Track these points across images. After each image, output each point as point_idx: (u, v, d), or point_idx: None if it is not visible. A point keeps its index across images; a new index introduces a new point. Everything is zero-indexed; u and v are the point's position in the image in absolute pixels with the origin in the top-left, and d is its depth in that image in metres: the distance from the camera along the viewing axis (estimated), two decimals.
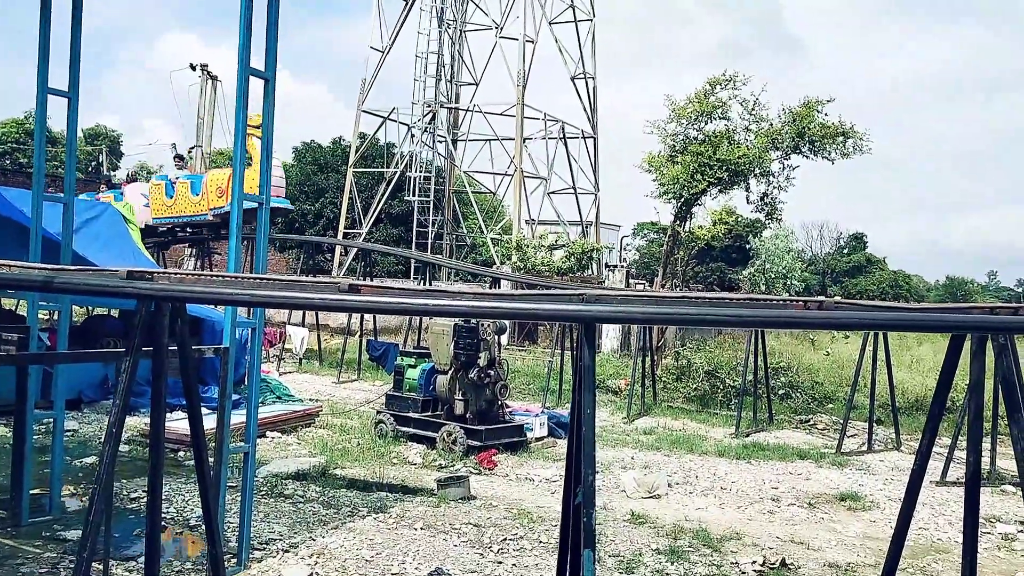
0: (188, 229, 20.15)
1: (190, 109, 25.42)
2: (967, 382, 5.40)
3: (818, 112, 19.40)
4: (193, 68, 24.27)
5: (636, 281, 35.39)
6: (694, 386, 17.96)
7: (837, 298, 4.34)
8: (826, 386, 18.61)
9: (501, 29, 32.76)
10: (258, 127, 6.71)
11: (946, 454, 11.19)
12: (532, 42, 31.70)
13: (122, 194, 20.27)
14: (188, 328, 4.92)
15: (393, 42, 33.96)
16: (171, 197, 19.80)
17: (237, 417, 7.38)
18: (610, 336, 25.47)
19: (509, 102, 32.31)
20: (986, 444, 11.44)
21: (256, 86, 6.46)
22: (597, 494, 9.78)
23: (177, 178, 20.07)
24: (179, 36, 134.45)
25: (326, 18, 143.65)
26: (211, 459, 5.40)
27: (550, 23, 33.77)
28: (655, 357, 19.12)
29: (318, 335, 22.08)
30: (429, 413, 11.84)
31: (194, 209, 19.41)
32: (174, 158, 21.74)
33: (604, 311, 4.08)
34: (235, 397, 9.85)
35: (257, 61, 6.48)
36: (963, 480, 10.98)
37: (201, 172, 20.83)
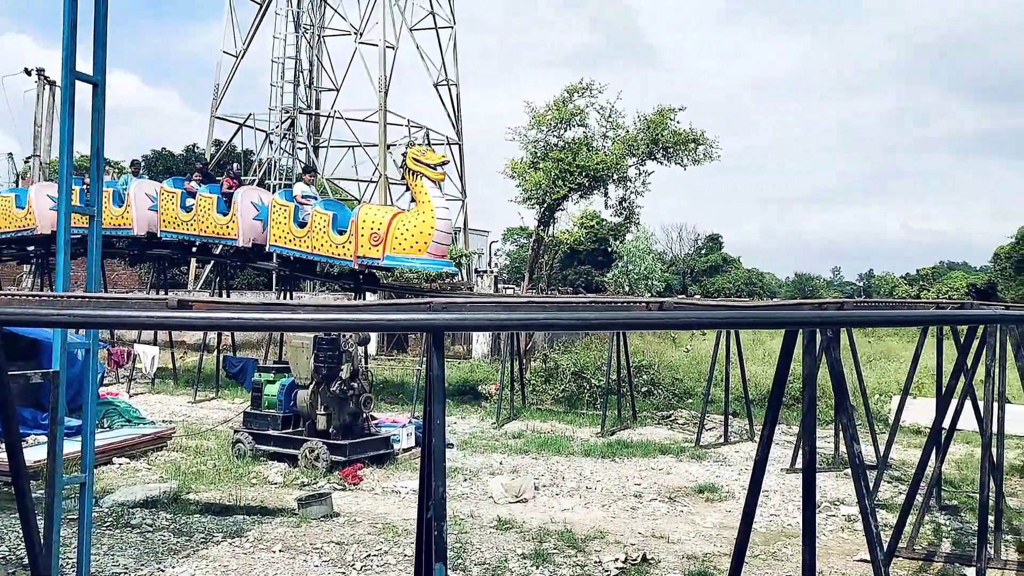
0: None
1: (26, 116, 23.51)
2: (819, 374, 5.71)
3: (670, 120, 20.14)
4: (28, 73, 22.57)
5: (505, 286, 35.63)
6: (562, 387, 18.21)
7: (677, 299, 4.46)
8: (686, 382, 19.32)
9: (361, 35, 32.30)
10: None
11: (795, 442, 11.80)
12: (393, 48, 31.39)
13: None
14: (3, 350, 4.50)
15: (247, 46, 32.84)
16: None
17: (76, 445, 6.85)
18: (480, 341, 25.51)
19: (372, 108, 31.88)
20: (831, 431, 12.17)
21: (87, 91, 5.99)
22: (465, 502, 9.76)
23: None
24: (13, 38, 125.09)
25: (180, 22, 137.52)
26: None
27: (411, 29, 33.57)
28: (524, 360, 19.29)
29: (172, 353, 20.98)
30: (290, 430, 11.43)
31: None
32: (131, 164, 19.85)
33: (452, 319, 4.00)
34: (74, 423, 9.22)
35: (88, 64, 6.02)
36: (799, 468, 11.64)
37: (31, 184, 19.24)
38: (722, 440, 13.93)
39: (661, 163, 20.69)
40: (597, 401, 16.69)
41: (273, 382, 11.72)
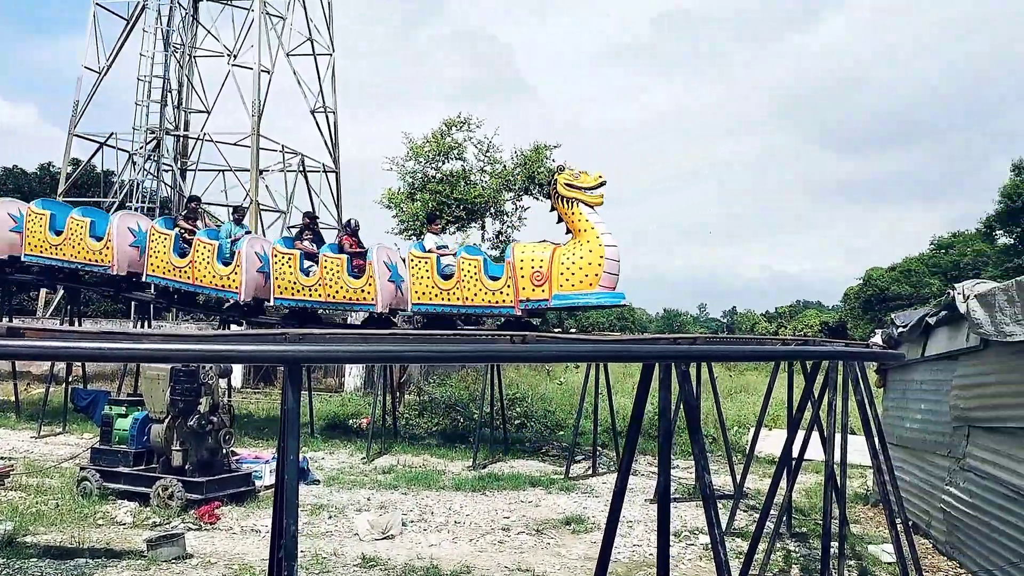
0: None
1: None
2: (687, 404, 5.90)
3: (546, 156, 20.57)
4: None
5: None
6: (435, 421, 18.07)
7: (539, 334, 4.50)
8: (558, 414, 19.57)
9: (235, 57, 31.50)
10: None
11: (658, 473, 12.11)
12: (268, 72, 30.76)
13: None
14: None
15: (111, 63, 31.40)
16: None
17: None
18: (353, 374, 25.02)
19: (244, 132, 31.05)
20: (691, 462, 12.57)
21: None
22: (329, 540, 9.45)
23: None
24: None
25: (40, 37, 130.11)
26: None
27: (288, 54, 33.03)
28: (398, 394, 19.04)
29: (14, 384, 19.47)
30: (142, 467, 10.79)
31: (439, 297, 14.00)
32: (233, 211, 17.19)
33: (308, 351, 3.90)
34: None
35: None
36: (678, 496, 11.97)
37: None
38: (590, 472, 14.14)
39: (537, 198, 21.07)
40: (470, 434, 16.65)
41: (125, 416, 11.05)
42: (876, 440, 7.22)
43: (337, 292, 14.56)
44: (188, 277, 15.26)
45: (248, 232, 15.90)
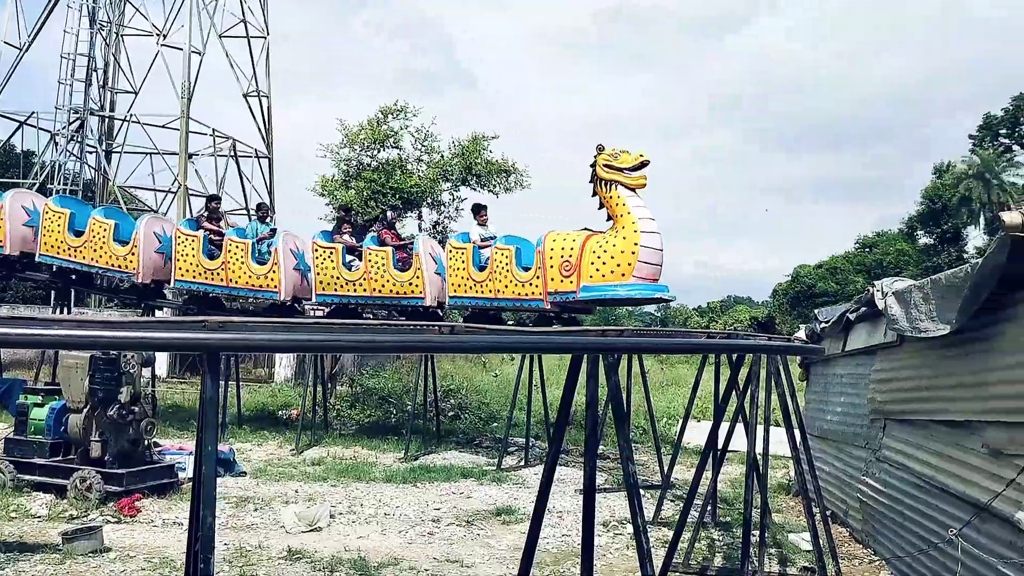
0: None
1: None
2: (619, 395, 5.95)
3: (484, 148, 20.54)
4: None
5: None
6: (368, 413, 17.91)
7: (468, 325, 4.49)
8: (492, 406, 19.63)
9: (164, 37, 30.56)
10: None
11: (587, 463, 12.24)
12: (199, 54, 29.94)
13: None
14: None
15: (33, 39, 30.14)
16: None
17: None
18: (283, 364, 24.61)
19: (173, 114, 30.17)
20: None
21: None
22: (253, 532, 9.28)
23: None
24: None
25: None
26: None
27: (220, 36, 32.20)
28: (330, 385, 18.81)
29: None
30: (59, 458, 10.41)
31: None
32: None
33: (228, 339, 3.80)
34: None
35: None
36: (608, 487, 12.11)
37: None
38: (523, 463, 14.21)
39: (475, 189, 21.05)
40: (403, 426, 16.56)
41: (41, 405, 10.64)
42: (796, 432, 7.43)
43: (383, 287, 13.67)
44: (221, 279, 14.40)
45: (274, 230, 15.13)
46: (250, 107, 33.68)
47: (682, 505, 11.23)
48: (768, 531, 9.02)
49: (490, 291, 12.57)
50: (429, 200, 20.93)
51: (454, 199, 21.45)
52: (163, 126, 30.82)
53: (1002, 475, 5.57)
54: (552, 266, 11.78)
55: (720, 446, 8.18)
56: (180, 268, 14.60)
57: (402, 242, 14.46)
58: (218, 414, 3.59)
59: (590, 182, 11.54)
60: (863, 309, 8.70)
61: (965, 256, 42.31)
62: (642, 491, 11.99)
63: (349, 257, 14.17)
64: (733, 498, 11.76)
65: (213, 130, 31.66)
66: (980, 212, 43.06)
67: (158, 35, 30.68)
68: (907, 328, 6.85)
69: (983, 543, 5.81)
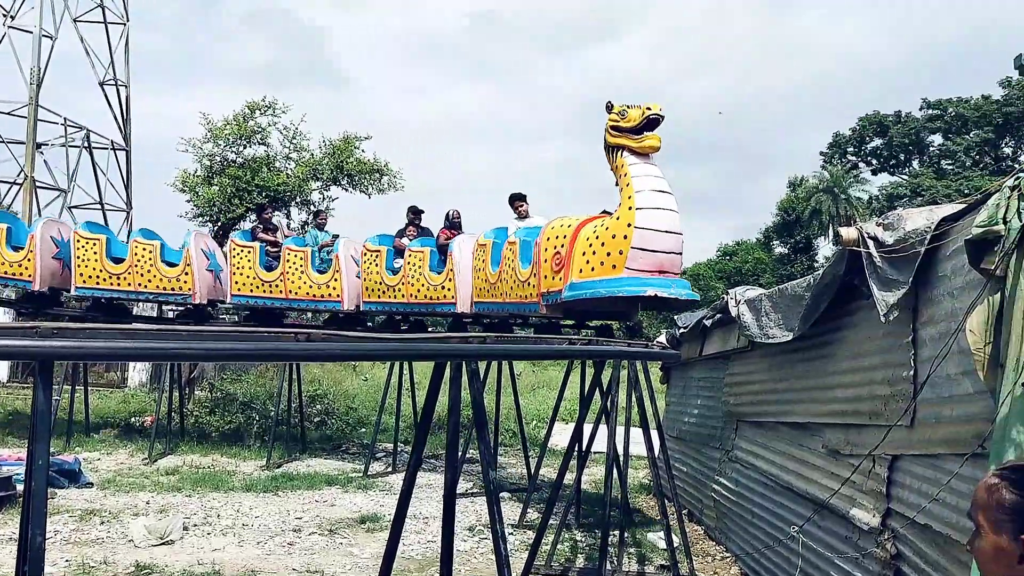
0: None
1: None
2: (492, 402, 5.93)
3: (356, 147, 20.19)
4: None
5: None
6: (229, 419, 17.20)
7: (326, 331, 4.37)
8: (361, 411, 19.28)
9: (12, 18, 28.43)
10: None
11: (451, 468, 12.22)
12: (51, 38, 28.03)
13: None
14: None
15: None
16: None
17: None
18: (138, 369, 23.31)
19: (21, 101, 28.11)
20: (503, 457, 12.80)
21: None
22: (99, 547, 8.73)
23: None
24: None
25: None
26: None
27: (75, 20, 30.27)
28: (187, 390, 17.97)
29: None
30: None
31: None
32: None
33: (59, 347, 3.54)
34: None
35: None
36: (475, 491, 12.10)
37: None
38: (390, 469, 14.03)
39: (346, 189, 20.64)
40: (266, 433, 16.02)
41: None
42: (653, 432, 7.67)
43: (419, 291, 11.71)
44: (280, 291, 13.13)
45: (336, 236, 13.73)
46: (107, 96, 31.80)
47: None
48: (628, 530, 9.28)
49: (501, 293, 10.36)
50: (298, 199, 20.37)
51: (324, 198, 20.98)
52: (9, 113, 28.63)
53: (839, 474, 5.93)
54: (546, 260, 9.43)
55: (584, 447, 8.35)
56: (236, 282, 13.33)
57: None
58: (51, 426, 3.34)
59: (605, 151, 9.02)
60: (718, 316, 9.10)
61: (816, 265, 45.08)
62: (510, 494, 12.15)
63: (398, 262, 12.27)
64: (598, 499, 12.04)
65: (65, 119, 29.70)
66: (829, 224, 45.99)
67: (5, 15, 28.49)
68: (757, 334, 7.20)
69: (823, 538, 6.18)
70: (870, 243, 5.20)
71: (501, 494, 12.25)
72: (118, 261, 13.51)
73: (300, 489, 12.02)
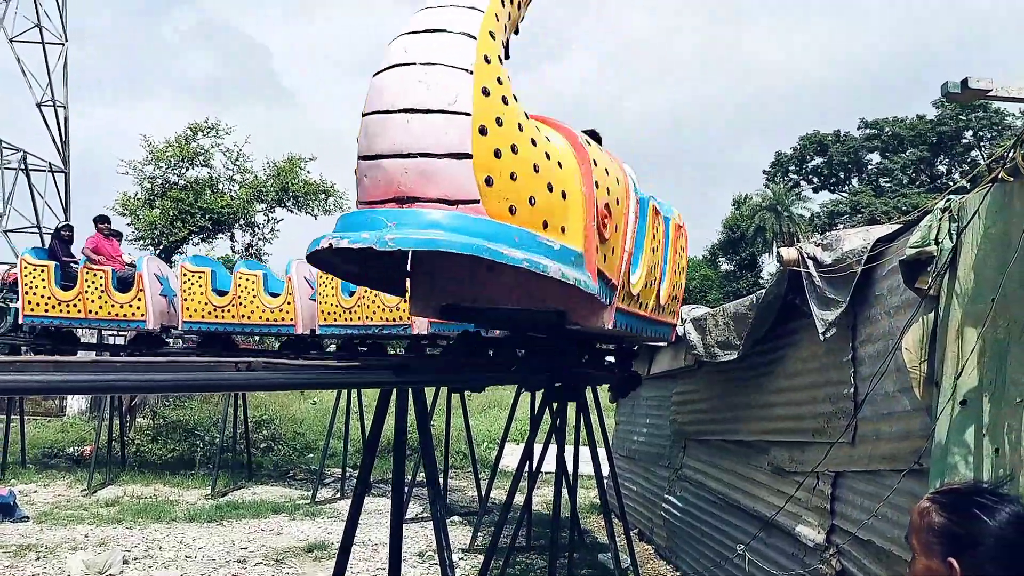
0: None
1: None
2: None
3: (301, 168, 20.00)
4: None
5: None
6: (171, 447, 16.76)
7: (265, 360, 4.27)
8: (309, 435, 18.95)
9: None
10: None
11: (408, 494, 12.07)
12: None
13: None
14: None
15: None
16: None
17: None
18: (76, 396, 22.61)
19: None
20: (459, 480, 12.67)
21: None
22: None
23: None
24: None
25: None
26: None
27: (11, 40, 29.53)
28: (128, 418, 17.47)
29: None
30: None
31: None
32: None
33: None
34: None
35: None
36: (426, 515, 11.96)
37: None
38: (339, 495, 13.80)
39: (291, 211, 20.42)
40: (211, 461, 15.63)
41: None
42: (601, 451, 7.66)
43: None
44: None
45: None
46: (44, 117, 30.99)
47: (505, 529, 11.34)
48: (579, 551, 9.25)
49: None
50: (242, 221, 20.08)
51: (269, 220, 20.72)
52: None
53: (784, 491, 6.00)
54: None
55: (534, 467, 8.31)
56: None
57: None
58: None
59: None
60: None
61: (761, 282, 45.96)
62: (461, 517, 12.03)
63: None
64: (549, 520, 11.99)
65: (1, 140, 28.88)
66: (773, 241, 46.97)
67: None
68: (703, 353, 7.27)
69: (770, 556, 6.23)
70: (810, 263, 5.30)
71: (452, 518, 12.14)
72: (222, 294, 12.87)
73: (246, 518, 11.74)
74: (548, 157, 3.69)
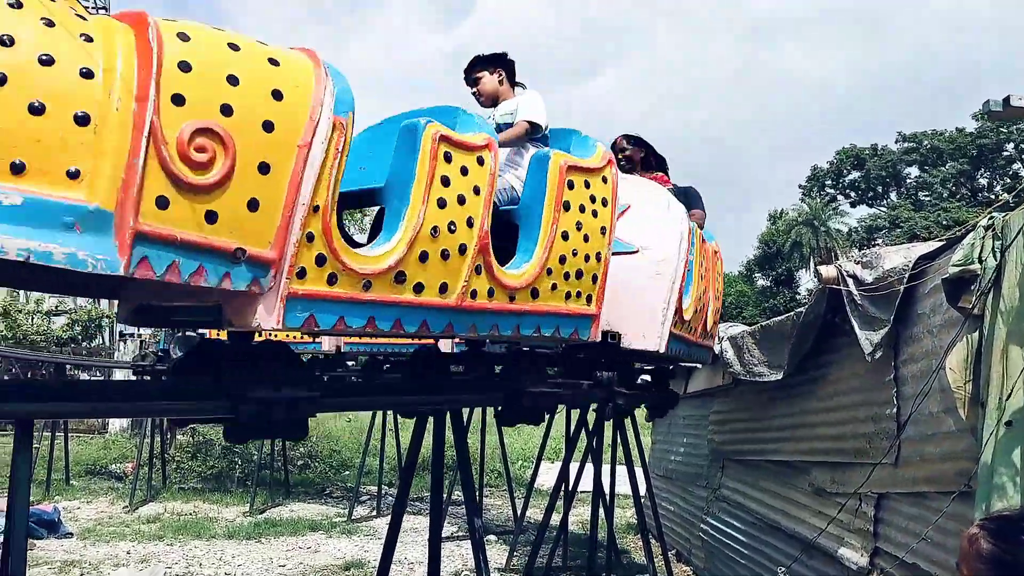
0: None
1: None
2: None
3: None
4: None
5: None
6: (211, 464, 16.96)
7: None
8: (345, 453, 19.07)
9: None
10: None
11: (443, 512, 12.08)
12: None
13: None
14: None
15: None
16: None
17: None
18: None
19: None
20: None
21: None
22: None
23: None
24: None
25: None
26: None
27: None
28: (168, 435, 17.72)
29: None
30: None
31: None
32: None
33: (38, 409, 3.44)
34: None
35: None
36: (462, 534, 11.96)
37: None
38: (375, 513, 13.85)
39: None
40: (249, 478, 15.78)
41: None
42: (638, 470, 7.61)
43: None
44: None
45: None
46: None
47: (542, 549, 11.29)
48: (616, 572, 9.17)
49: None
50: None
51: None
52: None
53: (826, 512, 5.91)
54: None
55: (571, 487, 8.28)
56: None
57: None
58: (28, 492, 3.19)
59: None
60: None
61: (799, 298, 45.44)
62: (496, 537, 12.00)
63: None
64: (586, 540, 11.92)
65: None
66: (810, 256, 46.47)
67: None
68: (741, 372, 7.22)
69: None
70: (850, 281, 5.25)
71: (487, 537, 12.11)
72: None
73: (283, 535, 11.83)
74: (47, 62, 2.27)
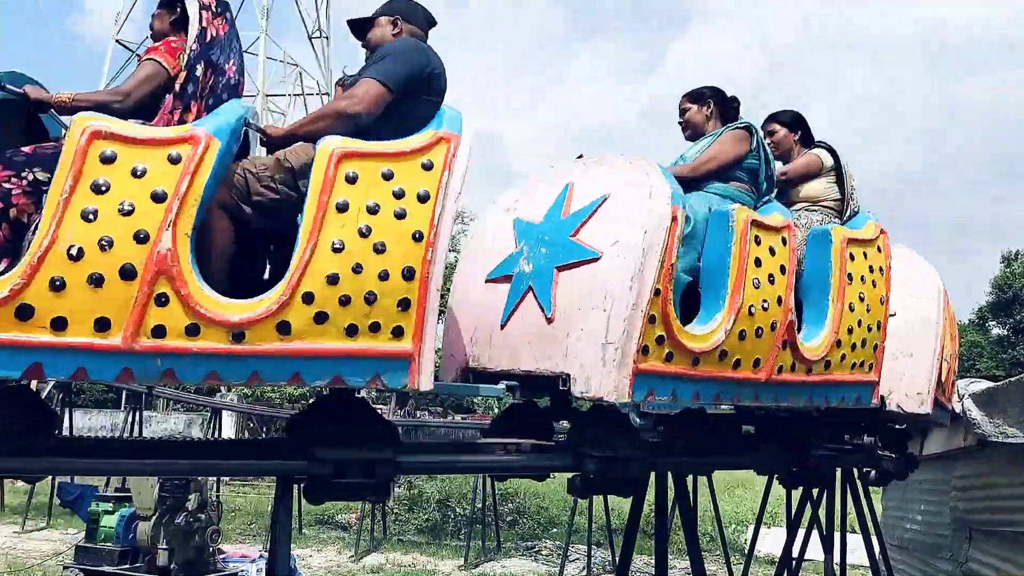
0: None
1: None
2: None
3: None
4: None
5: None
6: (426, 517, 17.68)
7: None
8: (551, 510, 19.16)
9: None
10: None
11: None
12: None
13: None
14: None
15: None
16: None
17: None
18: None
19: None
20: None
21: None
22: None
23: None
24: None
25: None
26: None
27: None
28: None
29: None
30: (128, 565, 10.47)
31: None
32: None
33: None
34: None
35: None
36: None
37: None
38: (585, 572, 13.78)
39: None
40: (461, 531, 16.26)
41: (112, 512, 10.77)
42: (875, 540, 7.10)
43: None
44: None
45: None
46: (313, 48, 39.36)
47: None
48: None
49: None
50: None
51: None
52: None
53: None
54: None
55: (795, 556, 7.84)
56: None
57: None
58: (289, 547, 3.57)
59: None
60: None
61: None
62: None
63: None
64: None
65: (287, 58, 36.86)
66: None
67: None
68: (991, 433, 6.59)
69: None
70: None
71: None
72: None
73: None
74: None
